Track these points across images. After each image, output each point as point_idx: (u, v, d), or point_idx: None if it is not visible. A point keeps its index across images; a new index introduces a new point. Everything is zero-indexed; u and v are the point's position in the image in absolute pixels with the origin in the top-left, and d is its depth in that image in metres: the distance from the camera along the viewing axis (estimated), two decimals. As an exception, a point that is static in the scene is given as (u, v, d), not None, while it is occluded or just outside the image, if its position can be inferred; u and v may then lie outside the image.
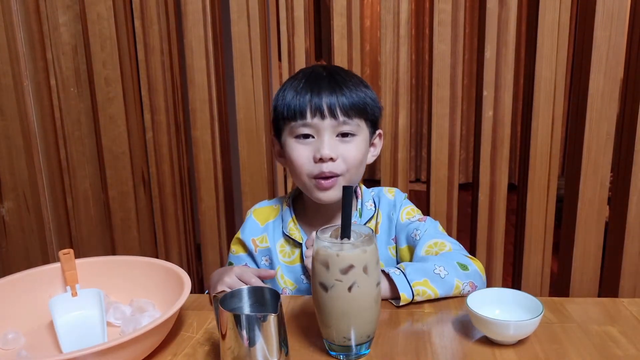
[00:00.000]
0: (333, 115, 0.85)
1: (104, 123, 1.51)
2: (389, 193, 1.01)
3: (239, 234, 1.01)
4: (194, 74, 1.47)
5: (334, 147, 0.86)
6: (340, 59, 1.44)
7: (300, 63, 1.45)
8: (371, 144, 0.95)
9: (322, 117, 0.85)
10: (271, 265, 0.98)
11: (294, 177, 0.92)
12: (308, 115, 0.86)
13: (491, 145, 1.44)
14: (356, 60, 1.45)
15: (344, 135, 0.87)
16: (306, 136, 0.87)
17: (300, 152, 0.88)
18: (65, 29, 1.48)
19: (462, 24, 1.41)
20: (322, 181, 0.87)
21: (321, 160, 0.85)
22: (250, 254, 0.99)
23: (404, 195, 1.02)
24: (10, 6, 1.44)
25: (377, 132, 0.96)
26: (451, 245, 0.92)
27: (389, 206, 0.99)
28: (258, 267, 0.98)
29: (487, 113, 1.43)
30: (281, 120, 0.90)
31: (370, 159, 0.97)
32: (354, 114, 0.87)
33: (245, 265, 0.99)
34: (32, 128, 1.52)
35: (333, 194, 0.88)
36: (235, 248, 1.01)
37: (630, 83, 1.36)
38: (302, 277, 0.96)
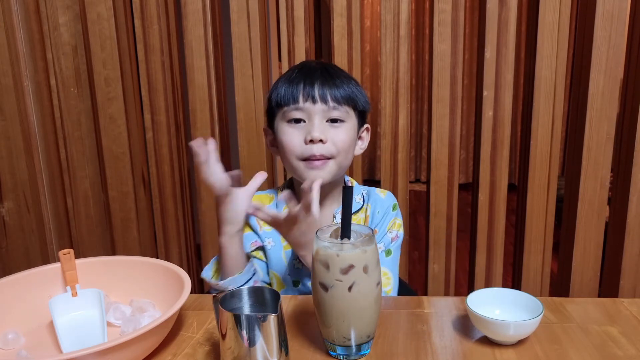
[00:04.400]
0: (324, 100, 0.90)
1: (104, 123, 1.51)
2: (380, 193, 1.03)
3: None
4: (194, 74, 1.47)
5: (324, 130, 0.90)
6: (340, 59, 1.44)
7: (300, 63, 1.45)
8: (359, 137, 0.99)
9: (314, 102, 0.89)
10: (275, 247, 0.98)
11: (284, 162, 0.95)
12: (300, 100, 0.90)
13: (491, 145, 1.45)
14: (356, 60, 1.45)
15: (334, 120, 0.91)
16: (297, 121, 0.91)
17: (292, 136, 0.91)
18: (65, 29, 1.48)
19: (462, 24, 1.41)
20: (313, 161, 0.90)
21: (312, 142, 0.89)
22: (255, 232, 1.00)
23: (395, 201, 1.03)
24: (10, 6, 1.44)
25: (365, 126, 1.00)
26: (391, 288, 0.95)
27: (380, 204, 1.01)
28: (263, 246, 0.99)
29: (487, 113, 1.43)
30: (275, 107, 0.94)
31: (358, 151, 1.00)
32: (344, 102, 0.91)
33: (256, 241, 0.99)
34: (32, 128, 1.52)
35: (322, 174, 0.91)
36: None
37: (630, 83, 1.36)
38: (294, 262, 0.97)
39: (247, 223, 1.00)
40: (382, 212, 1.00)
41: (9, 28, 1.45)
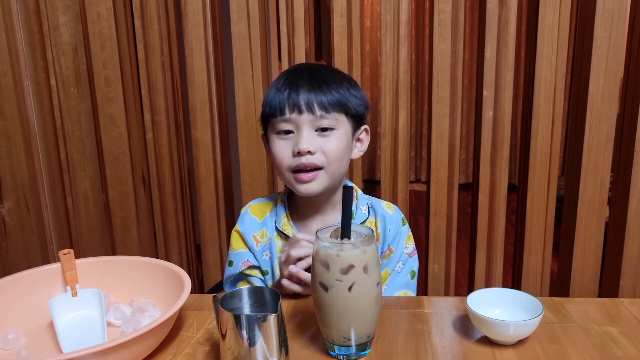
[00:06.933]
0: (310, 110, 0.87)
1: (104, 123, 1.51)
2: (387, 208, 1.01)
3: (237, 228, 1.00)
4: (194, 74, 1.47)
5: (312, 141, 0.87)
6: (340, 59, 1.44)
7: (300, 63, 1.45)
8: (357, 139, 0.96)
9: (300, 112, 0.87)
10: (271, 259, 0.98)
11: (277, 172, 0.94)
12: (287, 111, 0.88)
13: (491, 145, 1.44)
14: (356, 60, 1.45)
15: (323, 129, 0.88)
16: (287, 132, 0.89)
17: (281, 147, 0.90)
18: (65, 29, 1.48)
19: (462, 24, 1.41)
20: (302, 174, 0.88)
21: (299, 153, 0.87)
22: (250, 250, 0.99)
23: (402, 215, 1.01)
24: (10, 6, 1.44)
25: (363, 127, 0.96)
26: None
27: (389, 220, 0.99)
28: (258, 262, 0.99)
29: (487, 113, 1.43)
30: (265, 118, 0.93)
31: (357, 153, 0.97)
32: (332, 109, 0.88)
33: (248, 261, 0.99)
34: (32, 128, 1.52)
35: (314, 187, 0.90)
36: (235, 245, 1.00)
37: (630, 83, 1.36)
38: None
39: (242, 240, 1.00)
40: (394, 229, 0.98)
41: (9, 28, 1.45)
